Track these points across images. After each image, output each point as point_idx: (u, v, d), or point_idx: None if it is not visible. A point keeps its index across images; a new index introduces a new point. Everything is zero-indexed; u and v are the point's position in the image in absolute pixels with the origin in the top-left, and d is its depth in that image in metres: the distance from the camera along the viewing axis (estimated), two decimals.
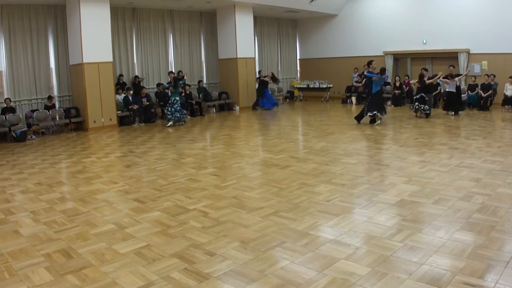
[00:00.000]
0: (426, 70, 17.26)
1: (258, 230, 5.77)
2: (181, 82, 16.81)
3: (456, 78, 17.32)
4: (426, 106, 16.34)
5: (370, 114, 14.91)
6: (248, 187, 7.94)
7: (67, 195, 7.92)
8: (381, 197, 7.04)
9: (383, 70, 15.46)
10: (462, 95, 18.17)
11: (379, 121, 15.02)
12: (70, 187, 8.47)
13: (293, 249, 5.14)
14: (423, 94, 16.37)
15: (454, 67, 18.51)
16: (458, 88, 17.38)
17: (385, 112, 15.43)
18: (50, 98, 15.88)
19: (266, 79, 20.81)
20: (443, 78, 17.26)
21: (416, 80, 17.08)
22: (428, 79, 16.67)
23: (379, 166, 9.21)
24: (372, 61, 15.27)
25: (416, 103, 16.53)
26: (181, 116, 16.66)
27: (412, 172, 8.56)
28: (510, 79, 17.49)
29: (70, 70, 16.40)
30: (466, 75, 18.75)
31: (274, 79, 21.27)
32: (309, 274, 4.54)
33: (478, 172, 8.41)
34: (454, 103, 17.20)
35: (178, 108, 16.53)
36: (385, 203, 6.73)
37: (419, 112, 16.54)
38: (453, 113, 17.01)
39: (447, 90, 17.34)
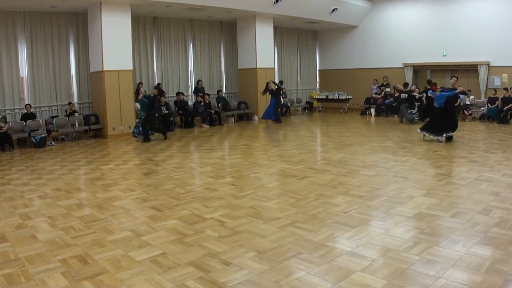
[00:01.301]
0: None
1: (274, 241, 5.75)
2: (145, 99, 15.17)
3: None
4: (416, 112, 18.66)
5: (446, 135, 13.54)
6: (265, 197, 7.93)
7: (84, 201, 7.96)
8: (399, 209, 7.00)
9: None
10: (481, 107, 18.27)
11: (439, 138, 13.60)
12: (88, 194, 8.52)
13: (309, 260, 5.12)
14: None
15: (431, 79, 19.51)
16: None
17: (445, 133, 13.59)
18: (70, 104, 16.04)
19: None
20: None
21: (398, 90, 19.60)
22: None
23: (397, 178, 9.15)
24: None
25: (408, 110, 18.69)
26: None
27: (430, 184, 8.51)
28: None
29: (90, 77, 16.57)
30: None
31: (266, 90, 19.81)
32: (324, 285, 4.51)
33: (497, 185, 8.33)
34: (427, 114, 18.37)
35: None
36: (402, 215, 6.68)
37: (412, 119, 18.56)
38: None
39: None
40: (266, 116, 19.78)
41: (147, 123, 15.09)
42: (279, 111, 20.45)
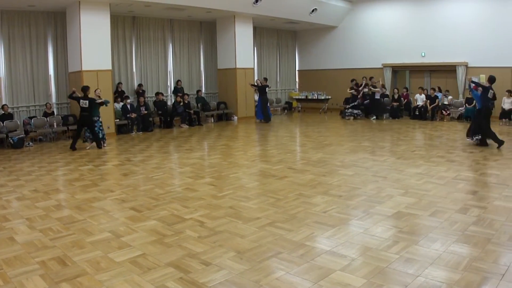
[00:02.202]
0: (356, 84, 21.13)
1: (254, 241, 5.76)
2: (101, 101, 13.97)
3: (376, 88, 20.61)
4: (359, 111, 20.81)
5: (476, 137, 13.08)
6: (245, 197, 7.94)
7: (63, 202, 7.90)
8: (378, 208, 7.04)
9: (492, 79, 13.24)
10: (459, 108, 18.51)
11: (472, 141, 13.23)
12: (67, 195, 8.45)
13: (289, 260, 5.13)
14: (359, 101, 20.76)
15: (371, 77, 21.12)
16: (382, 96, 20.94)
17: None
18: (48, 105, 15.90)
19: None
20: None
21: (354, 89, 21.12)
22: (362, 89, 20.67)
23: (376, 177, 9.20)
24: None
25: (350, 109, 20.88)
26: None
27: (409, 184, 8.57)
28: (507, 93, 17.53)
29: (68, 77, 16.41)
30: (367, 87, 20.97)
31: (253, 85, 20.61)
32: (304, 285, 4.53)
33: (475, 184, 8.44)
34: (376, 108, 20.68)
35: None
36: (381, 214, 6.73)
37: (352, 116, 20.71)
38: (374, 117, 20.59)
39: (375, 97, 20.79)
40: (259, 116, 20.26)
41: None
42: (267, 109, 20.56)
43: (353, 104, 21.05)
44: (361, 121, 20.03)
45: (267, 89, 20.04)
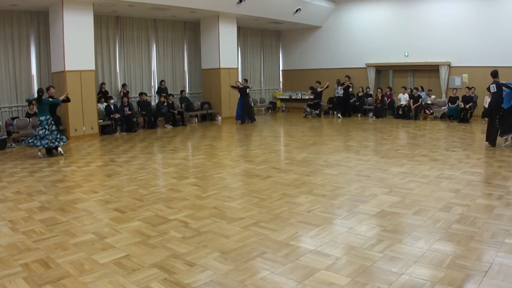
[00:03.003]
0: (318, 82, 22.04)
1: (238, 241, 5.76)
2: (50, 99, 12.73)
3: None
4: (317, 110, 21.69)
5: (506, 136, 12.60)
6: (229, 197, 7.94)
7: (46, 204, 7.83)
8: (362, 208, 7.08)
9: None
10: (442, 107, 18.69)
11: (508, 142, 12.75)
12: (50, 196, 8.38)
13: (274, 260, 5.14)
14: (318, 101, 21.71)
15: (349, 77, 22.35)
16: (347, 94, 21.97)
17: None
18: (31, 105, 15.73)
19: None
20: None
21: (311, 91, 22.27)
22: (320, 89, 21.56)
23: (359, 177, 9.24)
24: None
25: (308, 109, 21.77)
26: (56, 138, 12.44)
27: (393, 183, 8.62)
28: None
29: (51, 77, 16.29)
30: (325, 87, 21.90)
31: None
32: (289, 284, 4.54)
33: (458, 183, 8.49)
34: (341, 106, 21.75)
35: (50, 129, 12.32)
36: (365, 213, 6.76)
37: (310, 115, 21.64)
38: (339, 114, 21.57)
39: (336, 95, 22.31)
40: (243, 116, 19.94)
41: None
42: (251, 110, 20.42)
43: (312, 103, 22.05)
44: (327, 119, 19.91)
45: (248, 90, 19.78)
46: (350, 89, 22.08)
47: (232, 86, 19.96)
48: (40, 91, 12.10)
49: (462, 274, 4.63)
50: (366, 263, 4.98)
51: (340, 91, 21.94)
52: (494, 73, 12.76)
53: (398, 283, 4.47)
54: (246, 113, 19.76)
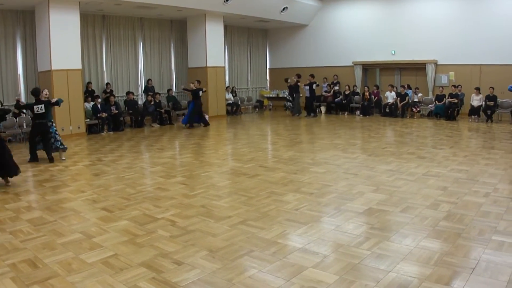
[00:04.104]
0: (298, 76, 21.77)
1: (226, 239, 5.76)
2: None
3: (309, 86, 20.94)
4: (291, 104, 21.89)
5: None
6: (217, 196, 7.94)
7: (33, 204, 7.80)
8: (349, 205, 7.10)
9: None
10: (429, 105, 18.97)
11: None
12: (37, 196, 8.35)
13: (261, 258, 5.15)
14: (295, 95, 21.63)
15: (312, 76, 21.63)
16: (312, 93, 21.24)
17: None
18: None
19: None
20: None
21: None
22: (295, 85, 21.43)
23: (347, 175, 9.27)
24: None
25: (289, 103, 22.12)
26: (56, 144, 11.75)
27: (380, 181, 8.66)
28: (476, 90, 17.78)
29: (38, 77, 16.18)
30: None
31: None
32: (277, 282, 4.55)
33: (445, 180, 8.55)
34: (308, 106, 21.21)
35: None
36: (353, 211, 6.79)
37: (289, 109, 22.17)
38: (312, 114, 21.10)
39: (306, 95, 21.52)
40: (190, 120, 18.22)
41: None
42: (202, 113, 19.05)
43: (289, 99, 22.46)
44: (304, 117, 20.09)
45: (200, 92, 18.39)
46: (315, 87, 21.39)
47: (184, 89, 19.33)
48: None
49: (450, 271, 4.66)
50: (354, 260, 5.00)
51: (306, 92, 21.37)
52: None
53: (386, 280, 4.50)
54: (196, 117, 18.50)
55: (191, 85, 18.63)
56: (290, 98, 22.06)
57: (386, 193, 7.78)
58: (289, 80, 21.84)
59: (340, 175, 9.33)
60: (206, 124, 18.60)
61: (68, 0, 15.12)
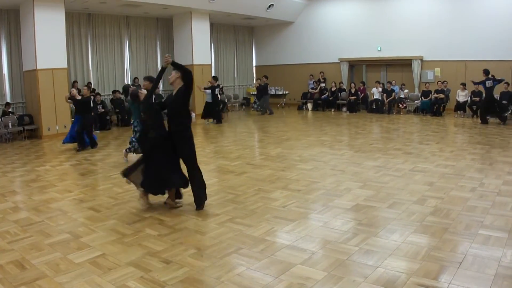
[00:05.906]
0: (265, 77, 21.86)
1: (214, 237, 5.77)
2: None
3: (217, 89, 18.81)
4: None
5: None
6: None
7: (20, 204, 7.76)
8: (337, 202, 7.13)
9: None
10: (415, 101, 19.00)
11: None
12: (24, 196, 8.31)
13: (250, 255, 5.16)
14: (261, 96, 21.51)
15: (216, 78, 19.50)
16: (214, 97, 18.56)
17: None
18: (8, 104, 15.49)
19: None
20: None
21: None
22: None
23: (334, 171, 9.30)
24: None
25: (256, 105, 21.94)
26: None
27: (367, 177, 8.70)
28: (462, 86, 17.87)
29: (23, 76, 16.07)
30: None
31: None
32: (265, 279, 4.56)
33: (431, 176, 8.60)
34: (209, 112, 18.63)
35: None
36: (340, 208, 6.82)
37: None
38: (214, 120, 18.51)
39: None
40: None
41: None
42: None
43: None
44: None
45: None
46: (217, 92, 19.02)
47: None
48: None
49: (437, 265, 4.70)
50: (342, 257, 5.02)
51: (208, 95, 18.83)
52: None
53: (374, 276, 4.53)
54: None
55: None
56: (256, 100, 22.22)
57: (373, 189, 7.82)
58: (258, 81, 21.95)
59: (327, 171, 9.35)
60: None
61: None
